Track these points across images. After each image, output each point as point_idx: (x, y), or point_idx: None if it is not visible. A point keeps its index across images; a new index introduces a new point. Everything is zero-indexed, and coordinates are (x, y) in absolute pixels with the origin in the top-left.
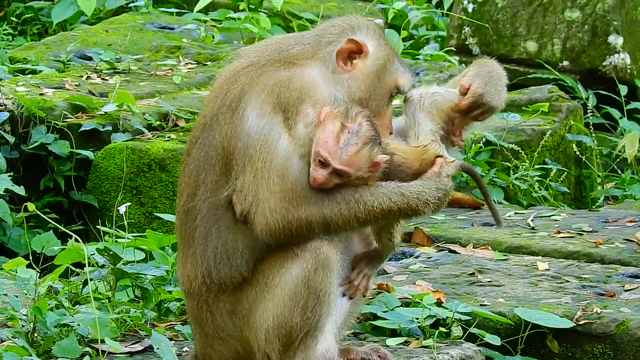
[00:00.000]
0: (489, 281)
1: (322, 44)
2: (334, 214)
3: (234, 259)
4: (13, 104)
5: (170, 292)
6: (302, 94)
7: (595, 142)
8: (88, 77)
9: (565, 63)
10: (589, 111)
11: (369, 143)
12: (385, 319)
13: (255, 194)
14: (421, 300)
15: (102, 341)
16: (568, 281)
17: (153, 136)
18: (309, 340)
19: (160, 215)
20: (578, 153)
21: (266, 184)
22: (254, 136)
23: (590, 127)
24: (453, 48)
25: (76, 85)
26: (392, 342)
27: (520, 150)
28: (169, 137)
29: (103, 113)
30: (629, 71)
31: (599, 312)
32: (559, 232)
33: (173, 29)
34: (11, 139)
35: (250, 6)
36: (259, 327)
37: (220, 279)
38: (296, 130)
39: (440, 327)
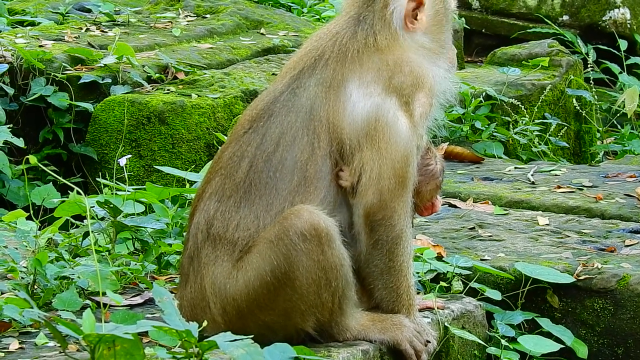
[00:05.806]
0: (490, 236)
1: (384, 17)
2: (404, 225)
3: None
4: (12, 55)
5: (170, 245)
6: (416, 80)
7: (595, 96)
8: (87, 30)
9: (565, 17)
10: (588, 66)
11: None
12: None
13: (379, 170)
14: (422, 254)
15: (103, 294)
16: (568, 236)
17: (152, 89)
18: (343, 302)
19: (160, 167)
20: (578, 108)
21: (391, 164)
22: (365, 115)
23: (590, 81)
24: None
25: (75, 37)
26: None
27: (520, 105)
28: (168, 89)
29: (102, 65)
30: (628, 26)
31: (599, 267)
32: (559, 187)
33: None
34: (10, 91)
35: None
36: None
37: None
38: (413, 118)
39: (441, 282)
